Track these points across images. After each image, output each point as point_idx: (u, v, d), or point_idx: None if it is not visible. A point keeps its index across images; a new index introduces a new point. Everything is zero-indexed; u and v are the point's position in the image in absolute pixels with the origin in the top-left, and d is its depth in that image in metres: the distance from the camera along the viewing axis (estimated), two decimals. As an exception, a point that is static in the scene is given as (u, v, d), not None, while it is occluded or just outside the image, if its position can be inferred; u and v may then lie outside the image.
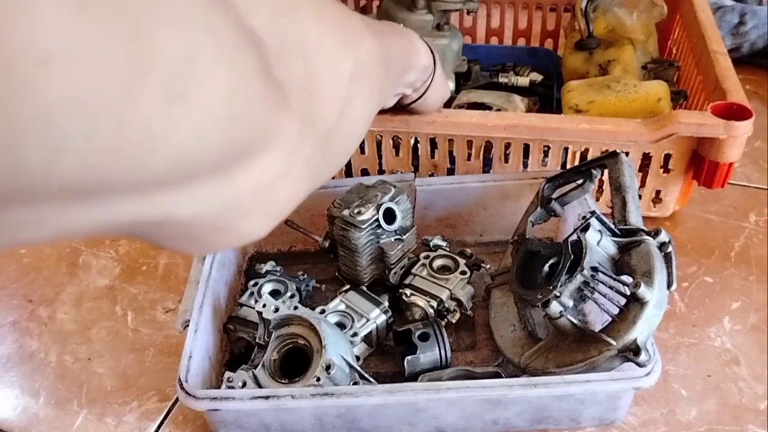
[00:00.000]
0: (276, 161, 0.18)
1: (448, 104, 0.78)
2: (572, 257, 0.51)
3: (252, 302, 0.58)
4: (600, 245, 0.51)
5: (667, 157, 0.67)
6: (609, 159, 0.58)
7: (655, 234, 0.51)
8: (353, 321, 0.56)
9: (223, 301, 0.59)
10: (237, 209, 0.18)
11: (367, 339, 0.57)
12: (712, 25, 0.76)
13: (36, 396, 0.58)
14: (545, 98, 0.83)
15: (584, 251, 0.50)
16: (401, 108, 0.61)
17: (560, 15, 0.94)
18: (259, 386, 0.50)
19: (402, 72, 0.46)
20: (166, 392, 0.58)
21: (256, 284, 0.60)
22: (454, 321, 0.59)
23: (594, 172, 0.60)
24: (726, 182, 0.65)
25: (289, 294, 0.59)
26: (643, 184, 0.69)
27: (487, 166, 0.71)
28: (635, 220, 0.54)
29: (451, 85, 0.79)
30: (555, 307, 0.48)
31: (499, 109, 0.75)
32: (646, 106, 0.69)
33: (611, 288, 0.49)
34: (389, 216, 0.60)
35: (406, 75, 0.48)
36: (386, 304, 0.58)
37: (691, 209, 0.75)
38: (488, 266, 0.63)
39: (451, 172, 0.72)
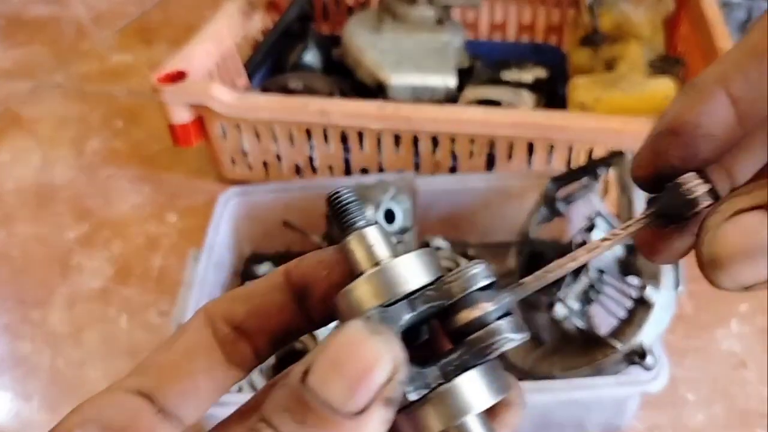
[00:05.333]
0: None
1: (454, 101, 0.77)
2: (577, 259, 0.50)
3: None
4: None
5: (674, 155, 0.65)
6: (615, 158, 0.57)
7: (663, 235, 0.50)
8: (352, 324, 0.55)
9: (219, 304, 0.57)
10: None
11: (366, 342, 0.55)
12: (720, 21, 0.74)
13: (29, 400, 0.57)
14: (550, 95, 0.81)
15: (590, 253, 0.49)
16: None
17: (564, 10, 0.93)
18: (256, 391, 0.49)
19: None
20: (160, 397, 0.57)
21: (253, 286, 0.59)
22: (455, 324, 0.58)
23: (599, 171, 0.58)
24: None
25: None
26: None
27: (490, 165, 0.69)
28: (642, 220, 0.53)
29: (453, 82, 0.78)
30: (560, 310, 0.47)
31: (510, 105, 0.74)
32: (654, 104, 0.67)
33: (617, 290, 0.48)
34: (389, 216, 0.58)
35: None
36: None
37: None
38: (491, 268, 0.61)
39: (453, 170, 0.71)
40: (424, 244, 0.63)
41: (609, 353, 0.46)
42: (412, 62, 0.79)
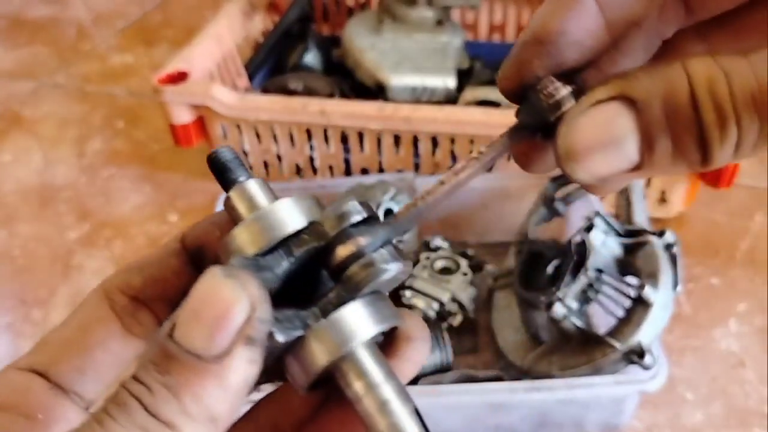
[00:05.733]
0: None
1: (454, 102, 0.77)
2: (576, 258, 0.50)
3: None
4: (604, 246, 0.50)
5: (673, 155, 0.65)
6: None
7: (661, 234, 0.50)
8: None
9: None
10: None
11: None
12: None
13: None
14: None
15: (588, 252, 0.49)
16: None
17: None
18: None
19: None
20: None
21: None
22: (455, 324, 0.58)
23: (598, 171, 0.58)
24: (732, 182, 0.64)
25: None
26: (648, 184, 0.68)
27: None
28: (640, 220, 0.53)
29: (453, 83, 0.78)
30: (559, 310, 0.48)
31: (509, 106, 0.74)
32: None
33: (616, 290, 0.48)
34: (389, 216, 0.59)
35: None
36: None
37: (696, 210, 0.74)
38: (490, 267, 0.62)
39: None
40: (425, 244, 0.64)
41: (608, 352, 0.46)
42: (412, 63, 0.79)
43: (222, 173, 0.19)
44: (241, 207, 0.18)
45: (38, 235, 0.75)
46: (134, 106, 0.96)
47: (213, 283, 0.15)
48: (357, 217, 0.18)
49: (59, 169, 0.85)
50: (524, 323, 0.56)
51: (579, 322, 0.48)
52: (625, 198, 0.55)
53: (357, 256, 0.17)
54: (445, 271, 0.61)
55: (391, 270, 0.17)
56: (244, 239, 0.17)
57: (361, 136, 0.70)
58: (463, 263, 0.61)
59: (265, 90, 0.81)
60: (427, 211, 0.19)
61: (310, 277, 0.18)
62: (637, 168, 0.17)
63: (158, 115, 0.73)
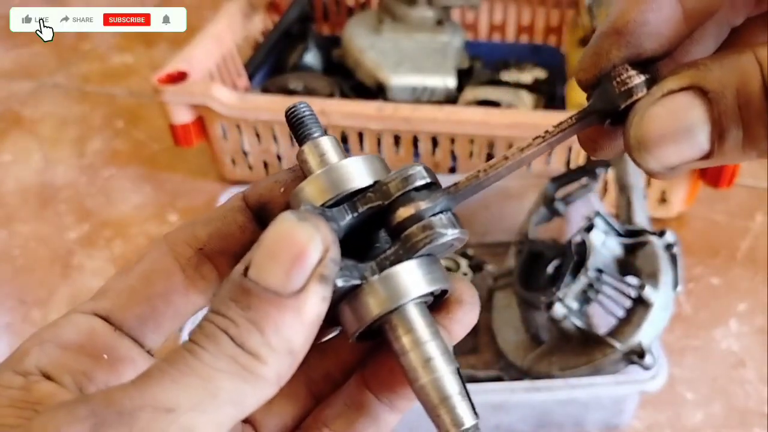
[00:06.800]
0: None
1: (453, 102, 0.77)
2: (576, 258, 0.50)
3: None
4: (605, 246, 0.50)
5: (673, 155, 0.65)
6: (614, 158, 0.57)
7: (661, 234, 0.50)
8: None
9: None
10: None
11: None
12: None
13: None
14: (549, 95, 0.81)
15: (588, 252, 0.49)
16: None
17: (563, 11, 0.93)
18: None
19: None
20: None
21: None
22: (455, 323, 0.58)
23: (599, 171, 0.58)
24: (732, 181, 0.64)
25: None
26: (648, 184, 0.68)
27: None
28: (641, 220, 0.53)
29: (453, 82, 0.78)
30: (559, 310, 0.48)
31: (509, 105, 0.74)
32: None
33: (616, 290, 0.48)
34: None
35: None
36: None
37: (697, 209, 0.74)
38: (490, 267, 0.62)
39: (453, 170, 0.71)
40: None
41: (608, 353, 0.46)
42: (412, 63, 0.79)
43: (298, 127, 0.20)
44: (312, 161, 0.19)
45: (38, 235, 0.75)
46: (134, 106, 0.96)
47: (288, 226, 0.16)
48: (421, 182, 0.19)
49: (59, 169, 0.85)
50: (524, 323, 0.56)
51: (579, 322, 0.48)
52: (625, 198, 0.55)
53: (417, 218, 0.18)
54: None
55: (448, 235, 0.18)
56: (313, 190, 0.18)
57: (361, 136, 0.70)
58: (463, 263, 0.61)
59: (265, 90, 0.81)
60: (487, 183, 0.19)
61: (369, 235, 0.19)
62: (706, 157, 0.17)
63: (158, 115, 0.73)
